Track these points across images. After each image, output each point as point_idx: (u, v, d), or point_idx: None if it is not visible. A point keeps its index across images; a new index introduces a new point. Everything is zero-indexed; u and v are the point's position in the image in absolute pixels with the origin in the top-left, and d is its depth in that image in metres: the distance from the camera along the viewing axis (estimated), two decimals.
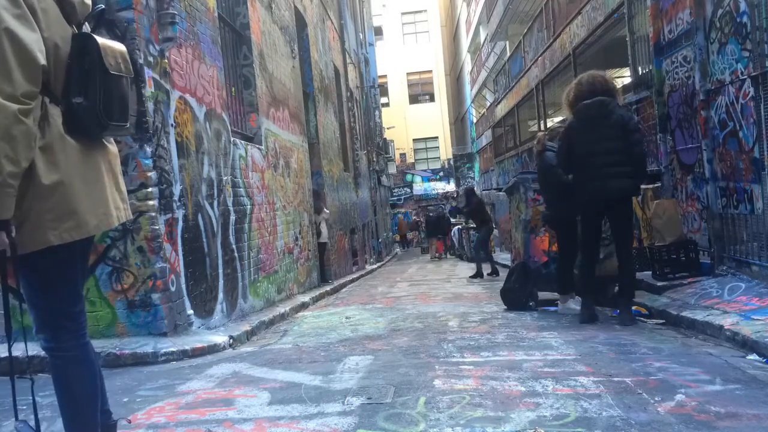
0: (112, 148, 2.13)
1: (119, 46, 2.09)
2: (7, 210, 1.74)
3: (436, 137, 37.33)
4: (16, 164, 1.73)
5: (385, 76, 34.57)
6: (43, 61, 1.81)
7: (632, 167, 4.80)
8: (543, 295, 6.16)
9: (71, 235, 1.89)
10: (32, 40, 1.79)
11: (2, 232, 1.76)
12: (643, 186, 7.08)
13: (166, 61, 4.97)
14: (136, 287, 4.54)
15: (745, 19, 4.95)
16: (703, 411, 2.53)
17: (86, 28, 2.07)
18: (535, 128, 17.02)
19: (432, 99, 37.30)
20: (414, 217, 34.44)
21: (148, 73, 4.62)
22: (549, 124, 14.57)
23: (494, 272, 11.21)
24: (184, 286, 4.88)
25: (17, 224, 1.81)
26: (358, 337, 4.91)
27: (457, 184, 35.78)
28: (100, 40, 1.99)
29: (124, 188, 2.13)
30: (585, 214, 5.08)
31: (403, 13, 38.07)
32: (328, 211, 10.93)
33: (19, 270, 1.96)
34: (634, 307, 5.23)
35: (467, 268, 14.00)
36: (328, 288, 9.55)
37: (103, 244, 4.56)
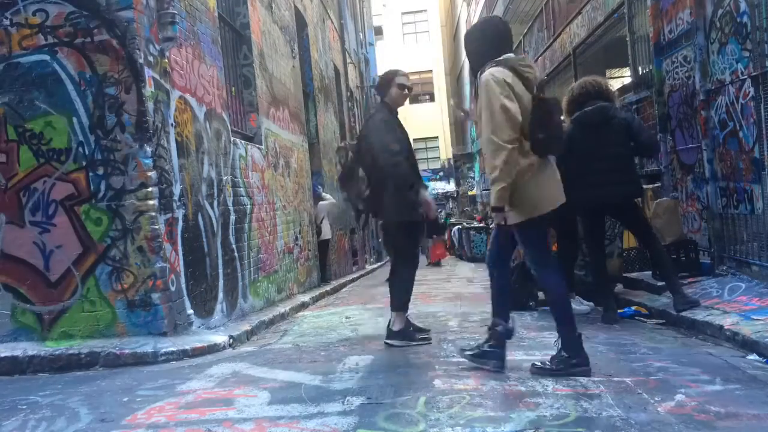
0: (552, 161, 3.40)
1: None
2: (505, 201, 3.18)
3: (436, 137, 37.30)
4: (511, 177, 3.13)
5: None
6: (519, 119, 3.17)
7: (642, 155, 5.35)
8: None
9: (533, 213, 3.26)
10: (515, 109, 3.16)
11: (501, 213, 3.23)
12: (643, 186, 7.09)
13: (166, 60, 4.97)
14: (136, 287, 4.54)
15: (745, 19, 4.95)
16: (703, 411, 2.53)
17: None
18: None
19: (432, 99, 37.28)
20: None
21: (148, 73, 4.62)
22: None
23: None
24: (184, 286, 4.88)
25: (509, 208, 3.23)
26: (358, 336, 4.91)
27: (457, 184, 35.79)
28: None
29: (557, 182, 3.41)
30: (588, 219, 5.10)
31: (403, 13, 38.05)
32: (329, 200, 10.26)
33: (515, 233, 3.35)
34: (633, 307, 5.24)
35: (468, 269, 14.00)
36: (328, 288, 9.54)
37: (103, 244, 4.56)
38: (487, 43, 3.41)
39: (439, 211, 23.74)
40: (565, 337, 3.28)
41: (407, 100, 4.74)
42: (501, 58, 3.31)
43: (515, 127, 3.15)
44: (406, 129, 4.58)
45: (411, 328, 4.44)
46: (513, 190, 3.17)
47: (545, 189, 3.29)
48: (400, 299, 4.42)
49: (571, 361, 3.21)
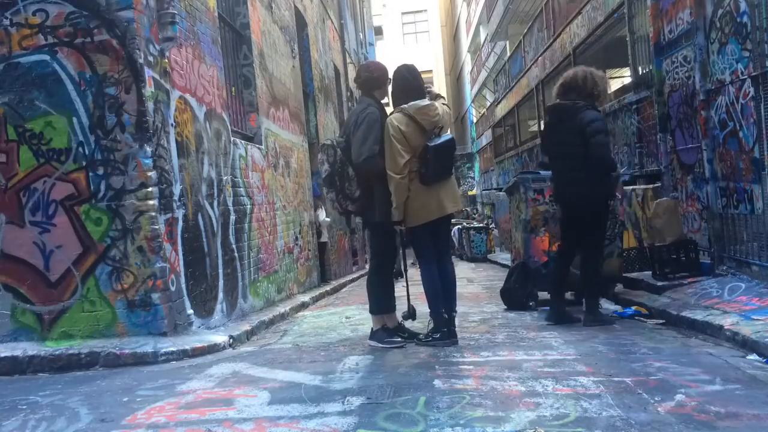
0: (450, 179, 4.28)
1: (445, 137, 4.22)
2: (400, 217, 4.16)
3: None
4: (401, 199, 4.11)
5: None
6: (405, 156, 4.07)
7: (587, 173, 4.49)
8: (543, 295, 6.15)
9: (419, 221, 4.20)
10: (399, 149, 4.07)
11: (399, 225, 4.21)
12: (643, 186, 7.09)
13: (166, 60, 4.97)
14: (136, 287, 4.54)
15: (745, 19, 4.95)
16: (703, 411, 2.53)
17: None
18: (535, 128, 17.02)
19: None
20: None
21: (148, 73, 4.62)
22: None
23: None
24: (184, 286, 4.88)
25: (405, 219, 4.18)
26: (358, 337, 4.92)
27: (458, 184, 35.78)
28: (437, 142, 4.13)
29: (455, 195, 4.35)
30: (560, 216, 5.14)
31: (403, 13, 38.05)
32: (329, 219, 10.72)
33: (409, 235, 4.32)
34: (633, 307, 5.25)
35: (467, 268, 14.01)
36: (328, 288, 9.53)
37: (103, 244, 4.56)
38: (398, 91, 4.25)
39: None
40: (433, 316, 4.24)
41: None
42: (405, 105, 4.14)
43: (400, 161, 4.04)
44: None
45: (394, 330, 4.52)
46: (406, 205, 4.13)
47: (426, 206, 4.14)
48: (371, 303, 4.62)
49: (436, 335, 4.19)
